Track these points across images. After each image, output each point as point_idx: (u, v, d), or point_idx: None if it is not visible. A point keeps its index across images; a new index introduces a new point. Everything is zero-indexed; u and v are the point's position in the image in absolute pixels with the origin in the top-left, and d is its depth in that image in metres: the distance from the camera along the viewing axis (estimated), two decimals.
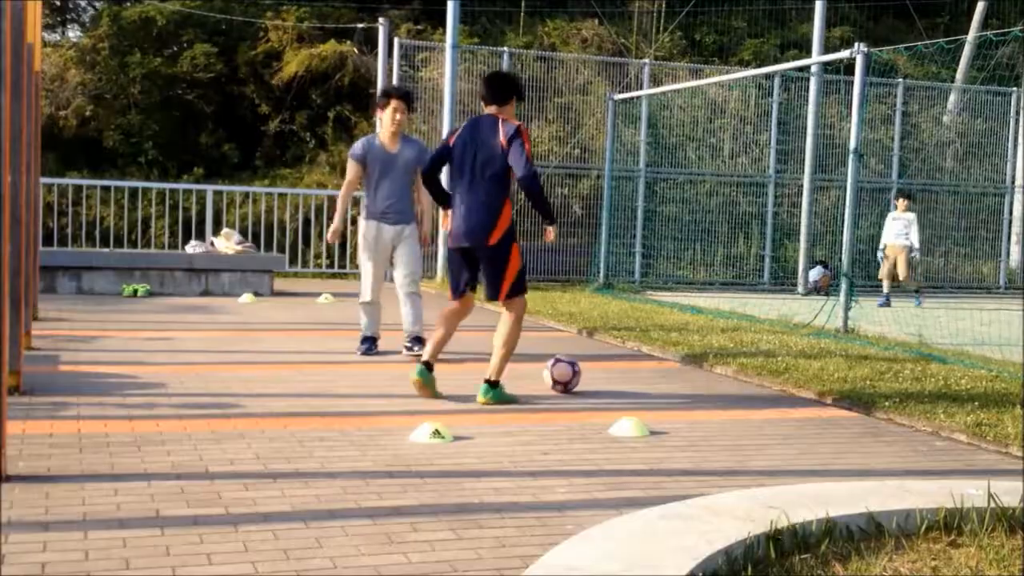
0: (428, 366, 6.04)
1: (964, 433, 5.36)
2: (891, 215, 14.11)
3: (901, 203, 13.85)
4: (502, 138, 5.85)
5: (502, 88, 6.06)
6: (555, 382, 6.40)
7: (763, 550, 3.30)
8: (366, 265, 7.75)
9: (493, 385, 5.97)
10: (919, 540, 3.54)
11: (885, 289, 13.66)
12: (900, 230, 13.61)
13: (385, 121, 7.54)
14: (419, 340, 7.59)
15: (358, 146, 7.68)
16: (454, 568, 3.20)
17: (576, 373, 6.42)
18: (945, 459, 4.96)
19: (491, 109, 6.02)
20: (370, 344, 7.77)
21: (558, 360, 6.46)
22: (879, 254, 14.39)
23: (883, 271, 13.82)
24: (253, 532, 3.46)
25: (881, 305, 12.85)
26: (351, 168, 7.68)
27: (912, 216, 13.72)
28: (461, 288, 6.23)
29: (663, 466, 4.58)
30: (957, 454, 5.08)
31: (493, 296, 6.08)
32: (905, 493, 3.91)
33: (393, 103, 7.50)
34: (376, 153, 7.56)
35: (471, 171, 5.94)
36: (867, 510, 3.62)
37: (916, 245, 13.67)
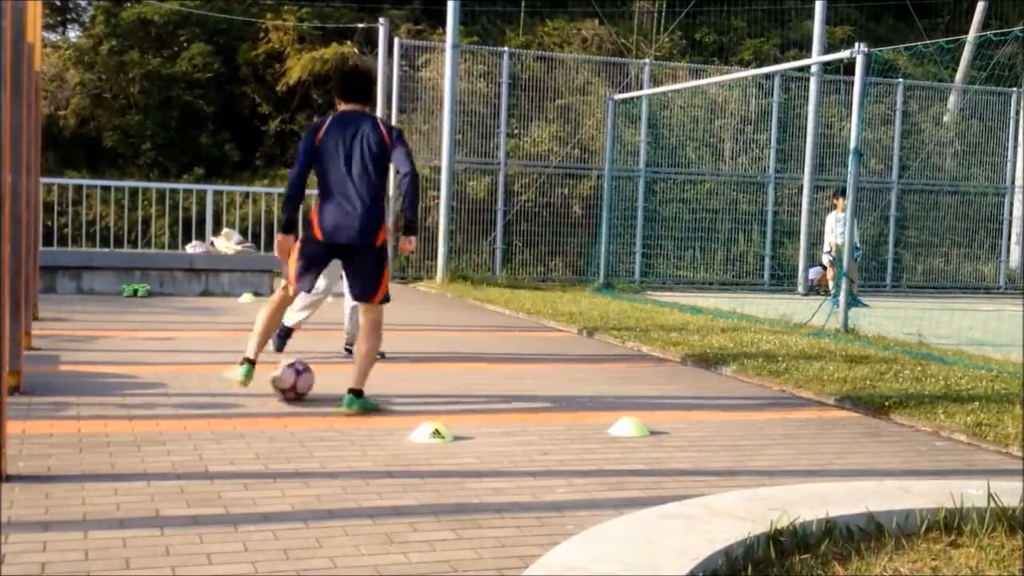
0: (253, 363, 5.81)
1: (964, 433, 5.35)
2: (836, 216, 13.94)
3: (840, 202, 13.62)
4: (386, 136, 5.73)
5: (369, 86, 5.99)
6: (282, 391, 5.85)
7: (763, 550, 3.30)
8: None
9: (359, 395, 5.62)
10: (919, 540, 3.54)
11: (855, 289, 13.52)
12: (843, 229, 13.39)
13: None
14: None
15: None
16: (454, 568, 3.20)
17: (300, 373, 5.87)
18: (945, 459, 4.96)
19: (354, 106, 5.83)
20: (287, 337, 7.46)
21: (291, 367, 5.89)
22: (827, 258, 14.34)
23: (852, 272, 13.64)
24: (253, 532, 3.46)
25: (859, 306, 12.61)
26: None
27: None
28: (310, 287, 6.01)
29: (663, 466, 4.58)
30: (957, 454, 5.08)
31: (366, 298, 5.75)
32: (905, 493, 3.91)
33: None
34: None
35: (355, 167, 5.67)
36: (867, 510, 3.62)
37: (858, 244, 13.52)
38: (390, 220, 7.35)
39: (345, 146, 5.68)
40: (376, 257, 5.76)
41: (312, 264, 5.84)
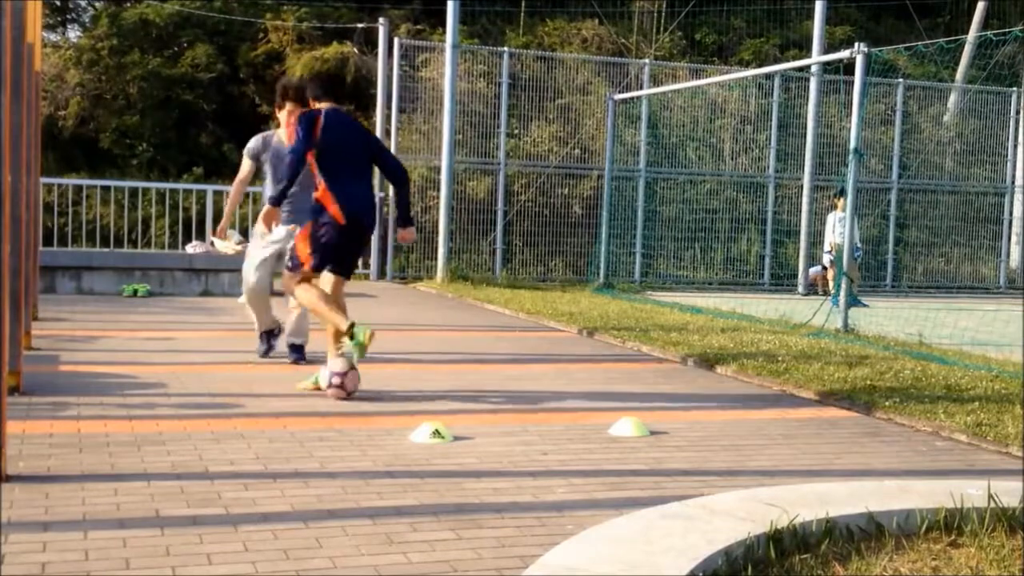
0: (353, 324, 5.92)
1: (964, 433, 5.36)
2: (837, 216, 13.89)
3: (840, 202, 13.57)
4: (368, 132, 6.42)
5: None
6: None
7: (763, 550, 3.30)
8: (256, 252, 7.34)
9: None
10: (919, 540, 3.54)
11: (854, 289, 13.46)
12: (843, 229, 13.30)
13: (282, 121, 7.17)
14: (298, 348, 7.38)
15: (253, 143, 7.35)
16: (454, 568, 3.20)
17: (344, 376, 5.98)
18: (945, 459, 4.96)
19: (332, 104, 6.21)
20: (269, 342, 7.60)
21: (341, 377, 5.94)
22: (827, 257, 14.30)
23: (853, 271, 13.58)
24: (253, 532, 3.46)
25: (859, 306, 12.51)
26: (245, 165, 7.41)
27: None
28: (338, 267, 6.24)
29: (663, 466, 4.58)
30: (957, 454, 5.08)
31: (350, 272, 6.36)
32: (905, 493, 3.91)
33: (288, 107, 7.07)
34: (275, 151, 7.17)
35: (360, 159, 6.19)
36: (867, 510, 3.62)
37: (859, 244, 13.46)
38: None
39: (348, 138, 6.15)
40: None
41: (335, 249, 6.12)
